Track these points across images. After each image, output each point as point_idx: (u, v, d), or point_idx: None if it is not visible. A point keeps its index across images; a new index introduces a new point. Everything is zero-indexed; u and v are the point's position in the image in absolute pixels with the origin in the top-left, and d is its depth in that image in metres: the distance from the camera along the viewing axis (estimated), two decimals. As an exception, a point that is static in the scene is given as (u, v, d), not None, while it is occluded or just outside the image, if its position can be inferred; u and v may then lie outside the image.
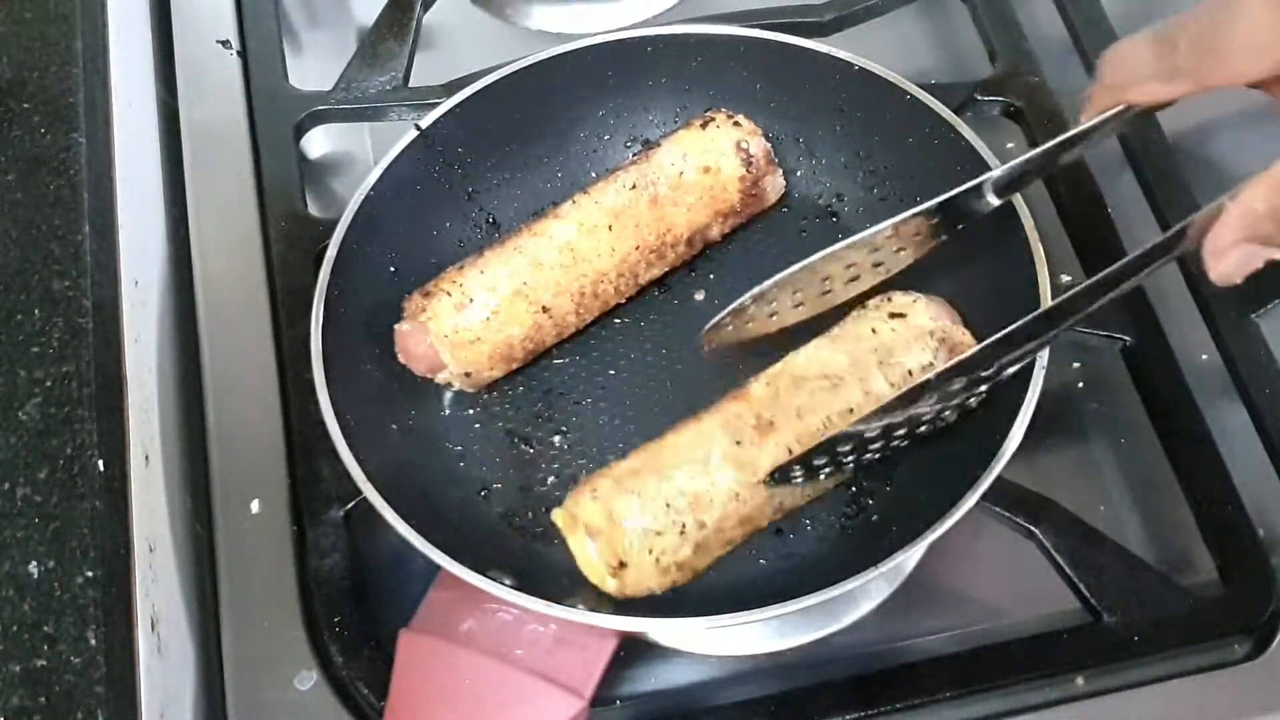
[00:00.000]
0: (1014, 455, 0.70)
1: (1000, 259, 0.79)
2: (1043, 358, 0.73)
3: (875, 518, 0.78)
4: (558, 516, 0.75)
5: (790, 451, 0.74)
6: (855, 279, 0.81)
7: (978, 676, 0.74)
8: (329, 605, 0.76)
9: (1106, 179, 0.93)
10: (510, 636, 0.71)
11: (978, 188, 0.77)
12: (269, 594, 0.77)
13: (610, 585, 0.73)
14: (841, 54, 0.88)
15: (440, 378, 0.83)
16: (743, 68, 0.91)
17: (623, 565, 0.72)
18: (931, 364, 0.76)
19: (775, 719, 0.73)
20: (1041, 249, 0.77)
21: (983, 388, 0.72)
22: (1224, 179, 0.95)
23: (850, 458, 0.73)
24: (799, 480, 0.74)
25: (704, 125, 0.88)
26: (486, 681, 0.70)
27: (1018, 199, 0.79)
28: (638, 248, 0.85)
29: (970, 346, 0.77)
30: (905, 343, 0.78)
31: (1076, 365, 0.89)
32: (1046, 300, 0.75)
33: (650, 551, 0.72)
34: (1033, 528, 0.77)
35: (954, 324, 0.79)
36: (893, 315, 0.79)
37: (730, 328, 0.80)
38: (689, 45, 0.91)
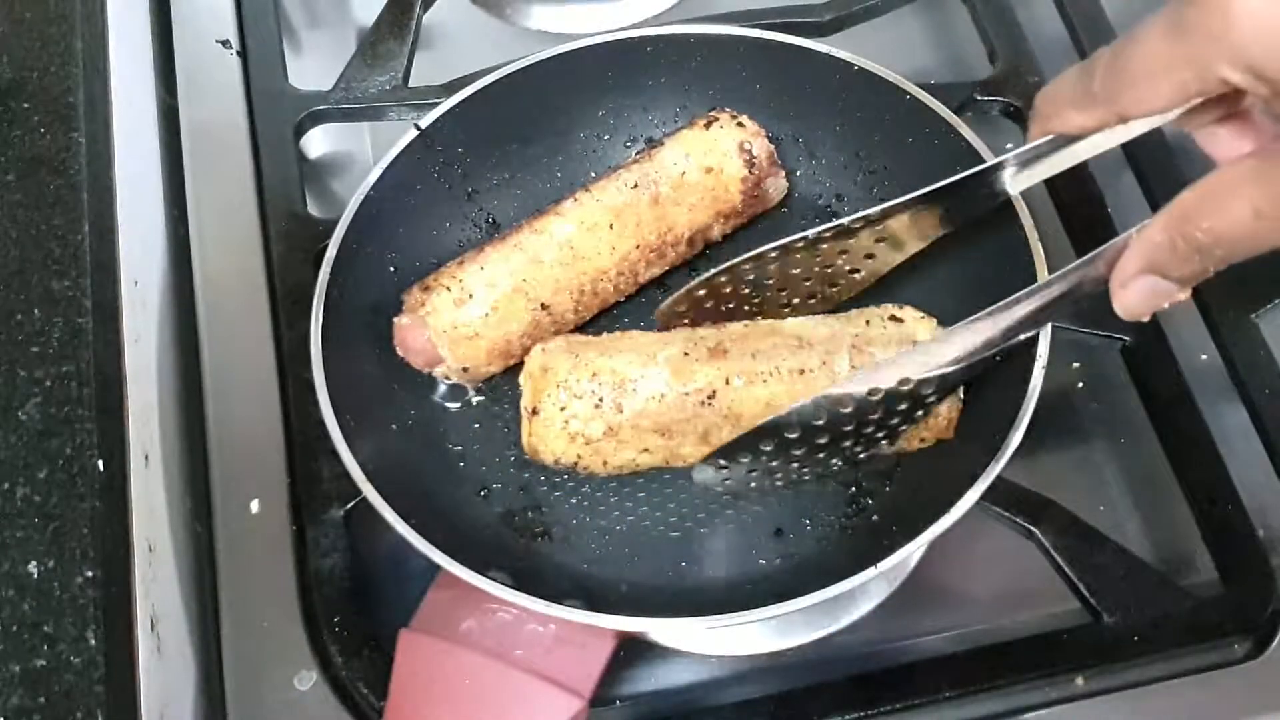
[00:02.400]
0: (1014, 455, 0.70)
1: (1000, 260, 0.79)
2: (1042, 357, 0.73)
3: (875, 518, 0.78)
4: (522, 374, 0.79)
5: (728, 381, 0.76)
6: (837, 279, 0.82)
7: (978, 676, 0.74)
8: (329, 605, 0.76)
9: (1106, 179, 0.93)
10: (510, 636, 0.71)
11: (981, 177, 0.76)
12: (269, 594, 0.77)
13: (525, 432, 0.78)
14: (841, 54, 0.88)
15: (438, 372, 0.83)
16: (742, 68, 0.91)
17: (535, 412, 0.76)
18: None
19: (775, 719, 0.73)
20: (1041, 249, 0.77)
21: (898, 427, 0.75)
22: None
23: (772, 459, 0.74)
24: (724, 469, 0.74)
25: (707, 125, 0.87)
26: (486, 681, 0.70)
27: (1017, 199, 0.79)
28: (638, 246, 0.85)
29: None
30: (886, 341, 0.78)
31: (1076, 365, 0.89)
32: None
33: (561, 410, 0.76)
34: (1033, 528, 0.77)
35: None
36: (892, 318, 0.80)
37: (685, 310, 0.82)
38: (689, 45, 0.91)
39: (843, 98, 0.89)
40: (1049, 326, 0.73)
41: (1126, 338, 0.85)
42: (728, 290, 0.82)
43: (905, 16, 1.07)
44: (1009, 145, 0.96)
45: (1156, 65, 0.54)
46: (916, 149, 0.86)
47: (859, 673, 0.75)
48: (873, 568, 0.68)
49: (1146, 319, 0.63)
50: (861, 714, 0.73)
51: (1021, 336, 0.71)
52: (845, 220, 0.78)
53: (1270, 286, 0.86)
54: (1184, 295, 0.61)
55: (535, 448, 0.78)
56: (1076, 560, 0.76)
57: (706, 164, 0.86)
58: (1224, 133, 0.61)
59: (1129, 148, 0.94)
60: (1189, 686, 0.73)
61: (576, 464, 0.77)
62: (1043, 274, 0.76)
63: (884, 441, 0.76)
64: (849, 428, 0.73)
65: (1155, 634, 0.74)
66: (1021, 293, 0.71)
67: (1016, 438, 0.70)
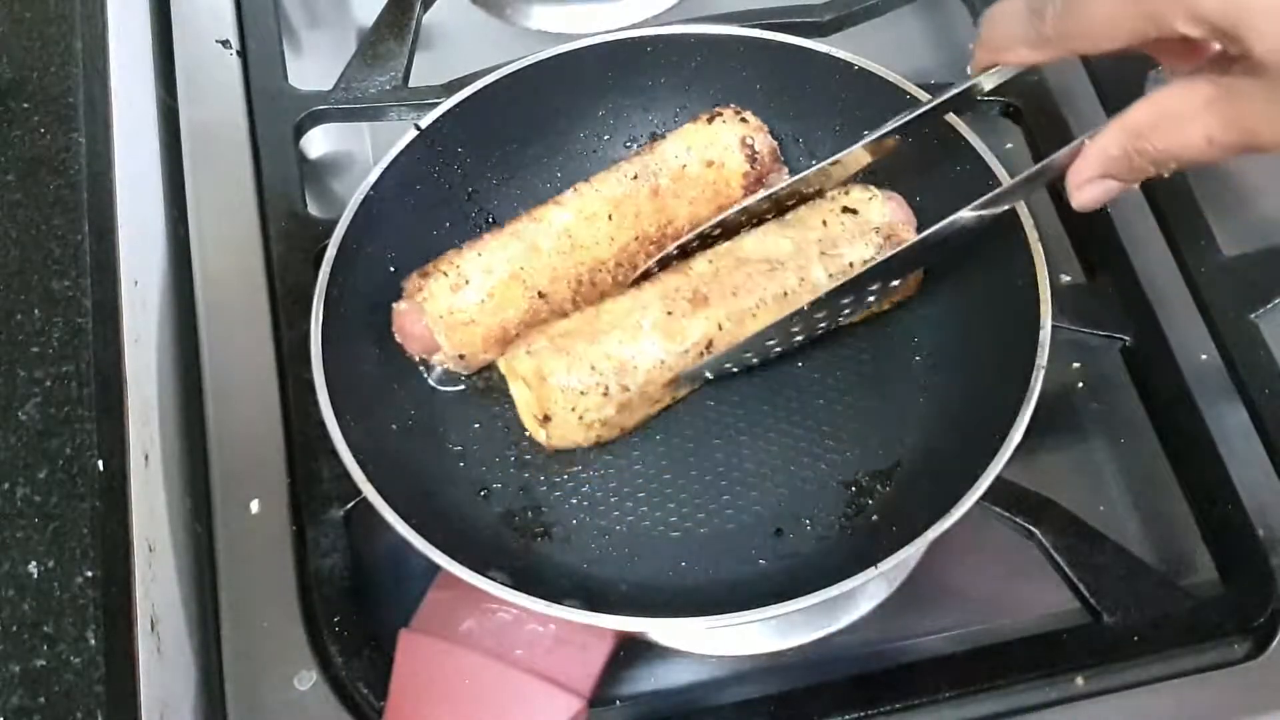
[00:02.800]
0: (1014, 455, 0.70)
1: (1000, 259, 0.79)
2: (1042, 357, 0.73)
3: (875, 518, 0.78)
4: (501, 364, 0.80)
5: (720, 327, 0.78)
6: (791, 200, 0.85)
7: (978, 676, 0.74)
8: (329, 605, 0.76)
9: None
10: (510, 636, 0.71)
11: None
12: (269, 594, 0.77)
13: (540, 435, 0.78)
14: (841, 54, 0.88)
15: (435, 359, 0.83)
16: (742, 68, 0.91)
17: (548, 419, 0.77)
18: (873, 258, 0.80)
19: (775, 719, 0.73)
20: (1041, 249, 0.77)
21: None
22: (1222, 177, 0.95)
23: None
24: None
25: (710, 120, 0.88)
26: (486, 681, 0.70)
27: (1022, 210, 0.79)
28: (637, 238, 0.85)
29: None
30: (850, 236, 0.81)
31: (1076, 365, 0.89)
32: (1046, 300, 0.75)
33: (574, 409, 0.77)
34: (1033, 528, 0.77)
35: (904, 223, 0.82)
36: (845, 210, 0.82)
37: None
38: (689, 45, 0.91)
39: (843, 98, 0.89)
40: (1050, 328, 0.73)
41: (1126, 338, 0.85)
42: (695, 245, 0.84)
43: (905, 16, 1.07)
44: (1008, 145, 0.97)
45: (1114, 18, 0.57)
46: (916, 149, 0.86)
47: (859, 673, 0.75)
48: (873, 568, 0.68)
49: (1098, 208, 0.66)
50: (861, 714, 0.73)
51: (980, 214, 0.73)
52: (804, 174, 0.82)
53: (1270, 286, 0.86)
54: (1134, 185, 0.64)
55: (557, 446, 0.79)
56: (1076, 560, 0.76)
57: (708, 158, 0.86)
58: (1167, 46, 0.62)
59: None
60: (1189, 686, 0.73)
61: (598, 441, 0.79)
62: (1043, 275, 0.76)
63: (851, 313, 0.80)
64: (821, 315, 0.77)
65: (1155, 634, 0.74)
66: (985, 196, 0.72)
67: (1016, 438, 0.70)
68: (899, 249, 0.75)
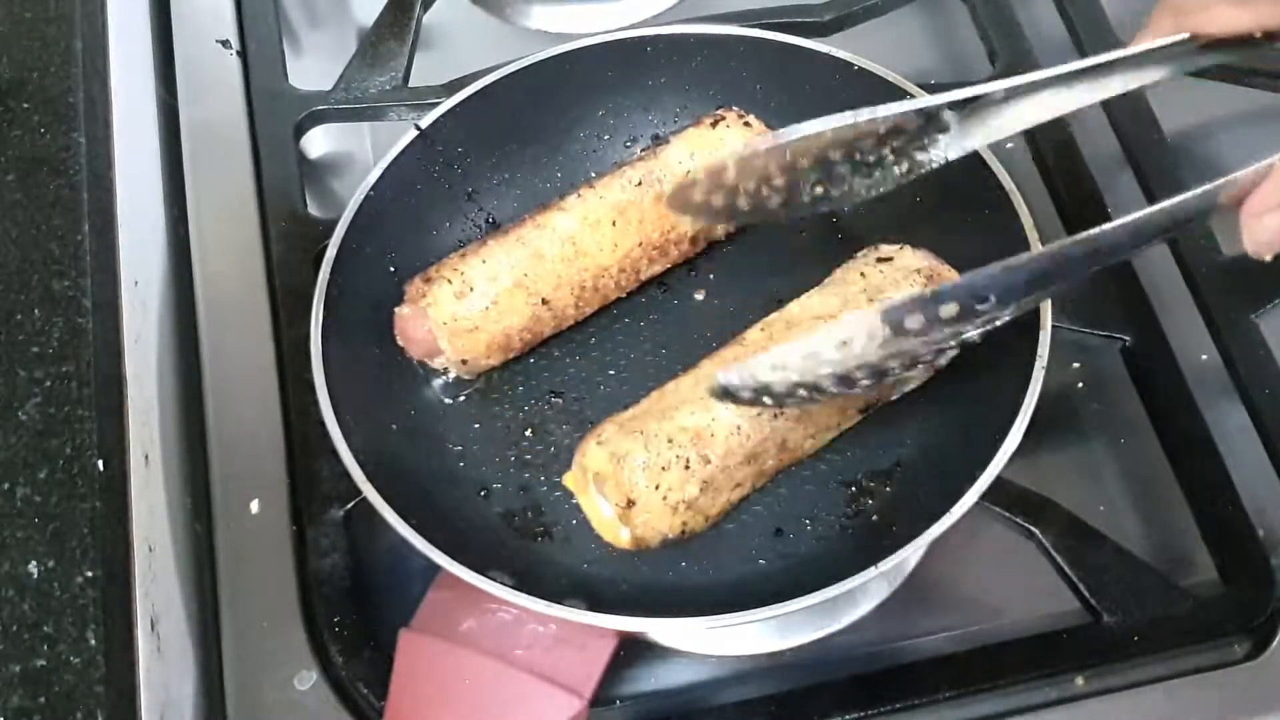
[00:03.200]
0: (1014, 455, 0.70)
1: (1000, 258, 0.79)
2: (1042, 358, 0.73)
3: (875, 518, 0.78)
4: (568, 480, 0.77)
5: None
6: (834, 181, 0.74)
7: (978, 676, 0.74)
8: (329, 605, 0.76)
9: (1106, 178, 0.93)
10: (510, 636, 0.71)
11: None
12: (269, 594, 0.77)
13: (624, 538, 0.74)
14: (841, 54, 0.88)
15: (437, 363, 0.83)
16: (743, 68, 0.91)
17: (631, 504, 0.73)
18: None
19: (775, 719, 0.73)
20: (1041, 249, 0.77)
21: (966, 333, 0.67)
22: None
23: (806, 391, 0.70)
24: (748, 400, 0.70)
25: (714, 124, 0.87)
26: (486, 681, 0.70)
27: (1017, 198, 0.79)
28: (640, 244, 0.85)
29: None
30: (894, 281, 0.79)
31: (1076, 365, 0.89)
32: (1046, 300, 0.75)
33: (657, 488, 0.73)
34: (1033, 528, 0.77)
35: (940, 264, 0.80)
36: (880, 260, 0.81)
37: (698, 195, 0.73)
38: (689, 45, 0.91)
39: (843, 98, 0.89)
40: (1050, 328, 0.73)
41: (1126, 338, 0.85)
42: (732, 182, 0.73)
43: (905, 16, 1.07)
44: (1009, 145, 0.96)
45: None
46: (938, 202, 0.86)
47: (859, 673, 0.75)
48: (873, 568, 0.68)
49: (1272, 255, 0.57)
50: (861, 714, 0.73)
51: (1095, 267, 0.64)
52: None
53: (1270, 286, 0.86)
54: None
55: (643, 537, 0.75)
56: (1076, 560, 0.76)
57: (711, 163, 0.86)
58: None
59: (1128, 146, 0.94)
60: (1189, 686, 0.73)
61: (683, 532, 0.75)
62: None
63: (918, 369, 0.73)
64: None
65: (1155, 634, 0.74)
66: (1115, 222, 0.63)
67: (1016, 438, 0.70)
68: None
